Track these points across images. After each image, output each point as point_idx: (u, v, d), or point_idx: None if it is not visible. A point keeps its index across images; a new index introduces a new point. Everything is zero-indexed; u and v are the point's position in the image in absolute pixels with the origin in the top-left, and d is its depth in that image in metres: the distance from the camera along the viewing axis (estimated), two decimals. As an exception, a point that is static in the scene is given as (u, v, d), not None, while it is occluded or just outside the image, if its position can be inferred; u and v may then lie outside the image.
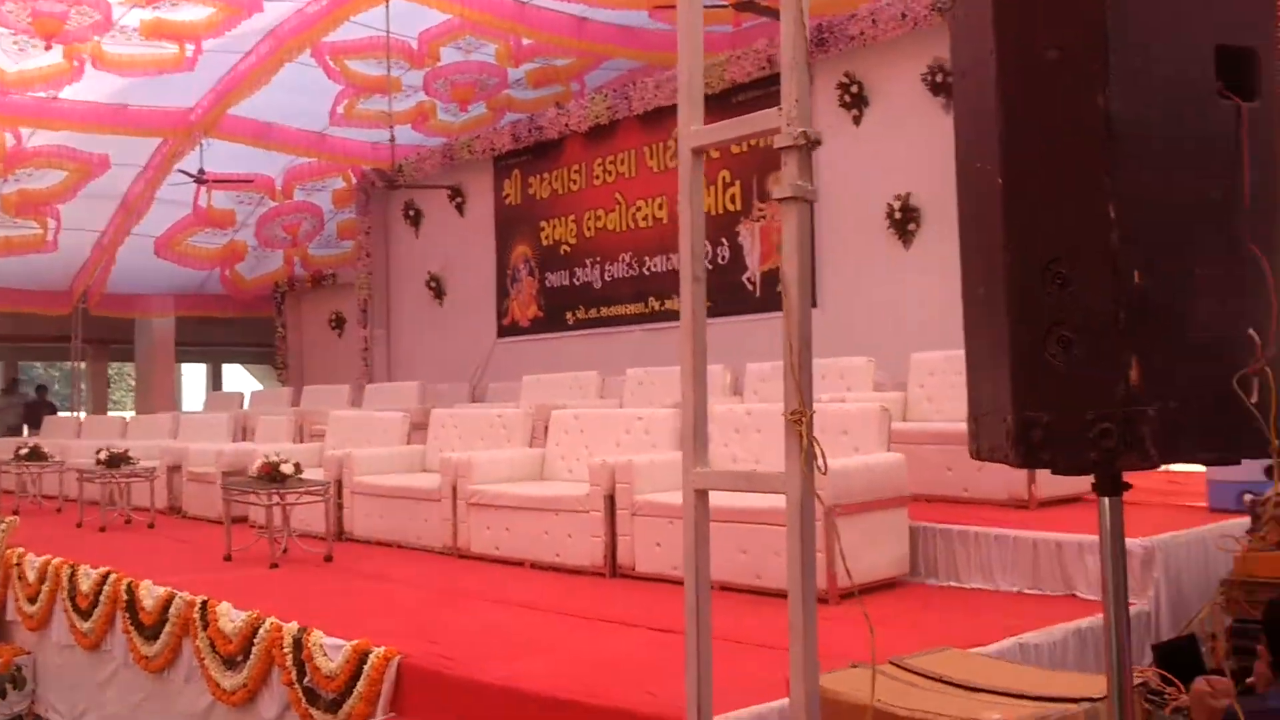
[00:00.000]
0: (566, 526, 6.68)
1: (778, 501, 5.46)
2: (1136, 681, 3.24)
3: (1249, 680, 4.19)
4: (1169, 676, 4.08)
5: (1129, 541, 5.39)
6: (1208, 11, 1.60)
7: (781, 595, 5.44)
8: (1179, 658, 4.31)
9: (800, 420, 1.75)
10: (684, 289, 2.09)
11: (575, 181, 13.25)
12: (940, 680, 3.26)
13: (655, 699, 3.98)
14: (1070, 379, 1.56)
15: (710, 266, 11.65)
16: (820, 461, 1.79)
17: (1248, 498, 5.80)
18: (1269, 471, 5.47)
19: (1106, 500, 1.71)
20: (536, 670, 4.35)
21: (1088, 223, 1.55)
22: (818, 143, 1.86)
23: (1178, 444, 1.54)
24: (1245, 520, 5.29)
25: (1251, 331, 1.56)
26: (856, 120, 10.42)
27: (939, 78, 9.67)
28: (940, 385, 7.87)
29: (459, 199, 14.84)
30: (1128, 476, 1.71)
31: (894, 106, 10.12)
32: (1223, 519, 6.01)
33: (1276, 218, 1.63)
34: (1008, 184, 1.63)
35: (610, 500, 6.47)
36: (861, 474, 5.70)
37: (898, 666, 3.44)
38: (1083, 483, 5.77)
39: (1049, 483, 6.66)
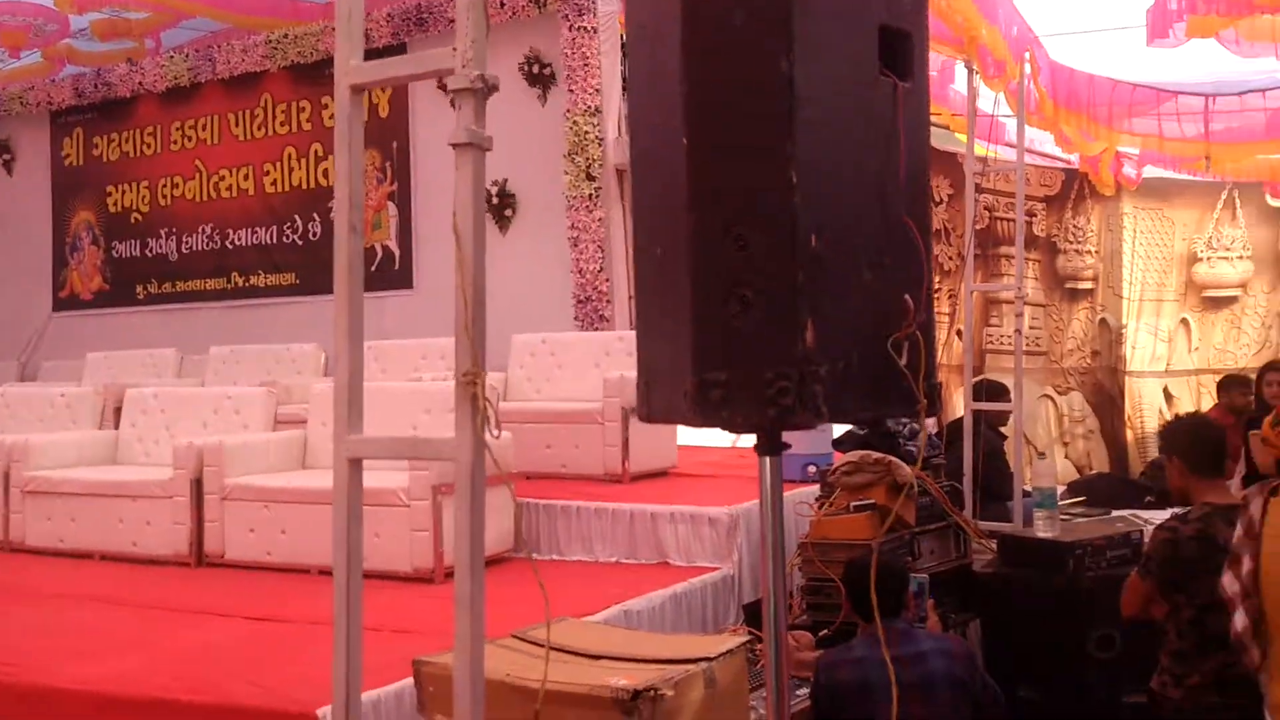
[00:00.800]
0: (145, 514, 6.11)
1: (382, 481, 5.34)
2: (744, 640, 3.45)
3: (822, 633, 4.62)
4: (757, 633, 4.40)
5: (714, 510, 5.82)
6: (872, -7, 1.70)
7: (383, 577, 5.36)
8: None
9: (474, 382, 1.67)
10: (339, 240, 1.94)
11: (149, 145, 12.14)
12: (564, 650, 3.29)
13: (259, 689, 3.73)
14: (750, 339, 1.60)
15: (301, 243, 11.15)
16: (494, 428, 1.72)
17: (811, 469, 6.37)
18: (836, 444, 6.05)
19: (767, 460, 1.77)
20: (121, 670, 3.92)
21: (770, 186, 1.60)
22: (495, 88, 1.79)
23: (844, 402, 1.63)
24: (815, 489, 5.81)
25: (907, 297, 1.67)
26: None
27: (535, 68, 9.80)
28: (539, 366, 8.01)
29: (7, 156, 13.14)
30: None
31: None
32: (789, 489, 6.55)
33: (925, 192, 1.76)
34: (692, 145, 1.64)
35: (197, 484, 6.00)
36: (469, 452, 5.65)
37: (521, 639, 3.44)
38: (670, 458, 6.09)
39: (640, 458, 6.97)
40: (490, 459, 1.73)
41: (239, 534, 5.88)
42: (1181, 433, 3.90)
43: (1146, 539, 5.50)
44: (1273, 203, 10.10)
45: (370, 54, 7.61)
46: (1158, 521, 6.21)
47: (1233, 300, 10.42)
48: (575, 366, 7.79)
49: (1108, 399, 10.39)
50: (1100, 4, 5.47)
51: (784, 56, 1.58)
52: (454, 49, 1.73)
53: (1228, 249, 10.39)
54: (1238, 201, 10.22)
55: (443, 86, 1.92)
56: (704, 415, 1.63)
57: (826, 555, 4.87)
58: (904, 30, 1.72)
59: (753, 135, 1.61)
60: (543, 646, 3.35)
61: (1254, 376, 8.26)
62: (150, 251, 12.09)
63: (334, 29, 7.45)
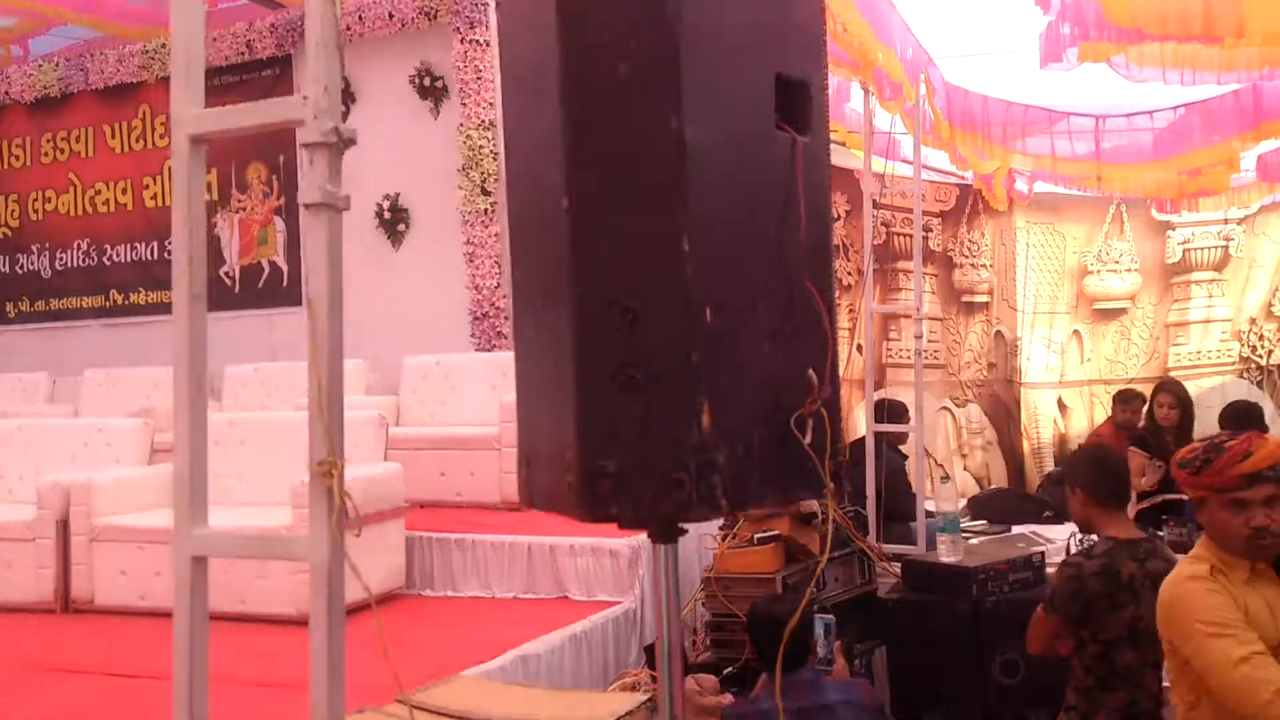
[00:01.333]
0: (6, 557, 5.73)
1: (266, 518, 5.06)
2: (643, 699, 3.29)
3: (726, 670, 4.48)
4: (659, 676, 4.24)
5: (615, 542, 5.66)
6: (768, 39, 1.54)
7: (269, 621, 5.09)
8: (668, 657, 4.49)
9: (330, 473, 1.47)
10: (179, 306, 1.72)
11: (18, 157, 11.58)
12: (458, 718, 3.10)
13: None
14: (641, 424, 1.43)
15: (183, 259, 10.72)
16: (355, 525, 1.52)
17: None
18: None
19: (663, 548, 1.61)
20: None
21: (661, 255, 1.43)
22: (351, 141, 1.59)
23: (744, 491, 1.47)
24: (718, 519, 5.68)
25: (811, 372, 1.53)
26: (343, 117, 10.07)
27: (426, 81, 9.61)
28: (433, 389, 7.79)
29: None
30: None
31: (382, 106, 9.91)
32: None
33: (827, 255, 1.62)
34: (575, 208, 1.46)
35: (64, 525, 5.63)
36: (357, 487, 5.39)
37: (405, 705, 3.23)
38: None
39: (540, 486, 6.77)
40: (345, 527, 1.53)
41: (109, 578, 5.54)
42: (1084, 465, 3.85)
43: (1047, 559, 5.53)
44: (1158, 217, 10.32)
45: (254, 65, 7.25)
46: (1058, 539, 6.27)
47: (1122, 312, 10.62)
48: (470, 389, 7.59)
49: (1004, 410, 10.51)
50: (994, 27, 5.47)
51: (673, 112, 1.41)
52: (304, 97, 1.53)
53: (1116, 262, 10.60)
54: (1125, 216, 10.42)
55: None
56: (591, 510, 1.46)
57: (730, 590, 4.75)
58: (801, 79, 1.57)
59: (640, 198, 1.44)
60: (433, 713, 3.15)
61: (1145, 391, 8.40)
62: (21, 268, 11.54)
63: (215, 38, 7.11)
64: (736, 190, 1.49)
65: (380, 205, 9.76)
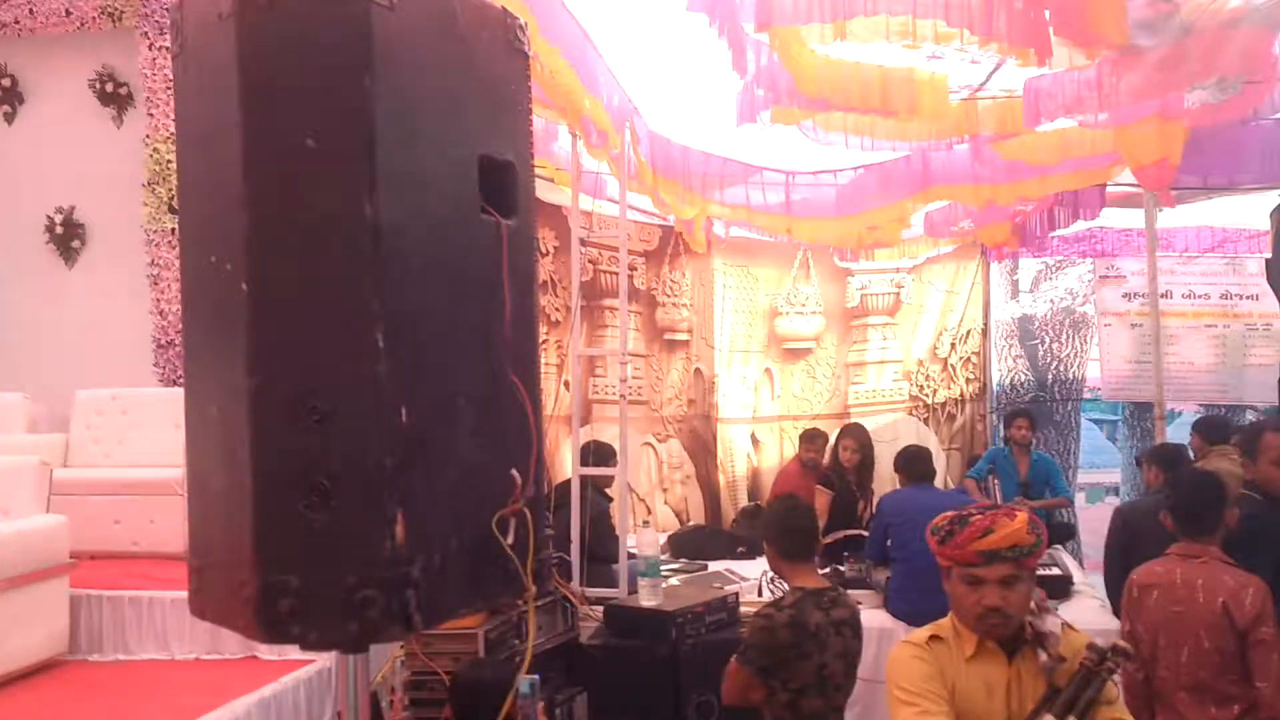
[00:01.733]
0: None
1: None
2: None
3: (425, 731, 4.32)
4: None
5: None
6: (472, 119, 1.46)
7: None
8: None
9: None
10: None
11: None
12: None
13: None
14: (328, 536, 1.30)
15: None
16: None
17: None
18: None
19: (351, 658, 1.48)
20: None
21: (352, 350, 1.30)
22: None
23: (441, 603, 1.37)
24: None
25: (514, 472, 1.45)
26: (9, 118, 9.15)
27: (109, 86, 8.89)
28: (109, 427, 7.15)
29: None
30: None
31: (57, 110, 9.07)
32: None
33: (533, 345, 1.54)
34: (255, 294, 1.32)
35: None
36: (11, 544, 4.86)
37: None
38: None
39: (227, 533, 6.34)
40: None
41: None
42: (773, 520, 4.00)
43: (741, 598, 5.71)
44: (840, 264, 11.01)
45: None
46: (750, 578, 6.51)
47: (808, 351, 11.22)
48: (152, 427, 7.01)
49: (703, 445, 10.84)
50: (697, 82, 5.65)
51: (366, 195, 1.30)
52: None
53: (803, 305, 11.20)
54: (811, 261, 11.05)
55: None
56: (270, 630, 1.31)
57: (430, 647, 4.58)
58: (507, 160, 1.50)
59: (330, 289, 1.31)
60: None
61: (827, 429, 8.93)
62: None
63: None
64: (437, 278, 1.40)
65: (52, 218, 8.90)
